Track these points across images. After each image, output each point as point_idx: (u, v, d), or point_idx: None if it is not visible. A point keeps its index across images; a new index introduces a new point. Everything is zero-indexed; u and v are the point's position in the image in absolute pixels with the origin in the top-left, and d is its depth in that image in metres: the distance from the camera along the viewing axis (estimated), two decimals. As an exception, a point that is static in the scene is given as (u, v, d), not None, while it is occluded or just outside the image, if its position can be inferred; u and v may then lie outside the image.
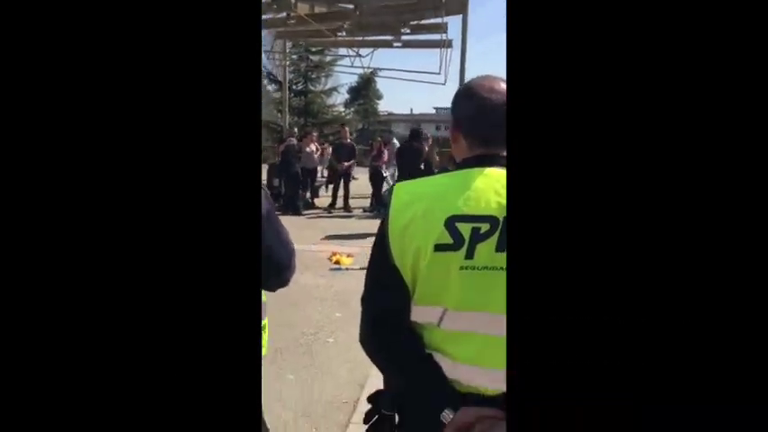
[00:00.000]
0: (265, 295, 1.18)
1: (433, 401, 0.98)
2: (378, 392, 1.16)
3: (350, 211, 9.43)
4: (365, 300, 1.07)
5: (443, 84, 15.19)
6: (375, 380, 3.13)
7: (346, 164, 9.59)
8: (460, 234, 0.96)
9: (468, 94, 1.09)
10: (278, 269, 1.17)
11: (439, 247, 0.96)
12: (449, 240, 0.96)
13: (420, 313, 1.02)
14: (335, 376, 3.19)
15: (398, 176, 8.11)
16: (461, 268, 0.96)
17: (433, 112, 38.06)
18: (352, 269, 5.53)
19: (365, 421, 1.16)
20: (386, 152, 9.82)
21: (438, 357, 1.01)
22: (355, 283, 5.14)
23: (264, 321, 1.20)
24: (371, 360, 1.08)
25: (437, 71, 10.14)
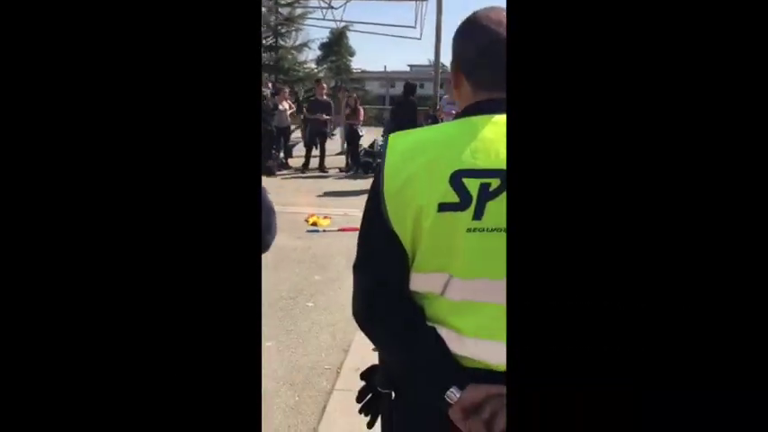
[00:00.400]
0: None
1: (437, 379, 0.87)
2: (372, 368, 1.05)
3: (325, 172, 9.22)
4: (358, 268, 0.94)
5: (419, 38, 14.82)
6: (359, 345, 3.06)
7: (326, 116, 9.29)
8: (468, 191, 0.83)
9: (472, 29, 0.94)
10: None
11: (443, 207, 0.83)
12: (454, 199, 0.83)
13: (421, 282, 0.90)
14: (317, 342, 3.09)
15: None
16: (469, 230, 0.83)
17: (408, 69, 37.57)
18: (330, 231, 5.40)
19: (358, 400, 1.05)
20: (361, 110, 9.55)
21: (442, 330, 0.89)
22: (333, 245, 5.06)
23: None
24: (366, 335, 0.95)
25: (412, 25, 9.86)
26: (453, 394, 0.85)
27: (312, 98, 9.96)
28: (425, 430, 0.94)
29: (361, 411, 1.05)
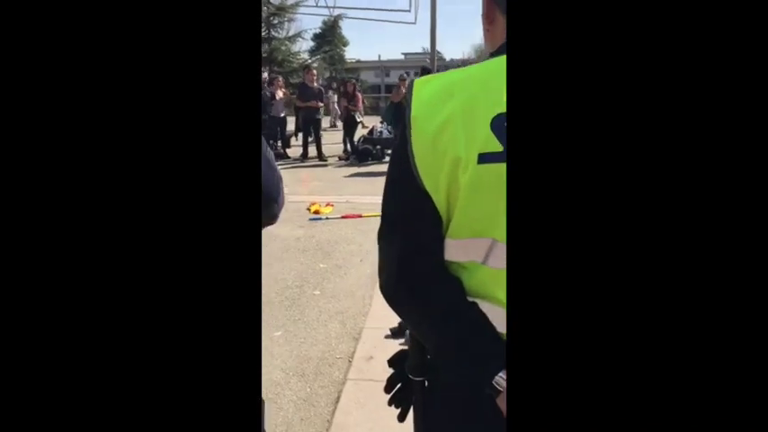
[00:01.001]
0: None
1: (483, 362, 0.74)
2: (400, 354, 0.92)
3: (325, 160, 9.07)
4: (384, 238, 0.81)
5: (414, 22, 14.61)
6: (370, 332, 2.94)
7: (319, 103, 9.12)
8: None
9: None
10: (266, 200, 0.90)
11: (484, 158, 0.70)
12: (497, 147, 0.70)
13: (459, 250, 0.77)
14: (326, 330, 2.97)
15: None
16: None
17: (402, 57, 37.36)
18: (333, 218, 5.28)
19: (386, 389, 0.92)
20: (359, 96, 9.35)
21: (484, 306, 0.76)
22: (337, 233, 4.99)
23: None
24: (398, 313, 0.82)
25: (407, 8, 9.71)
26: (503, 380, 0.72)
27: (301, 84, 9.68)
28: (467, 420, 0.81)
29: (390, 403, 0.92)
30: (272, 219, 0.96)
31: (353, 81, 10.15)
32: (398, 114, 9.25)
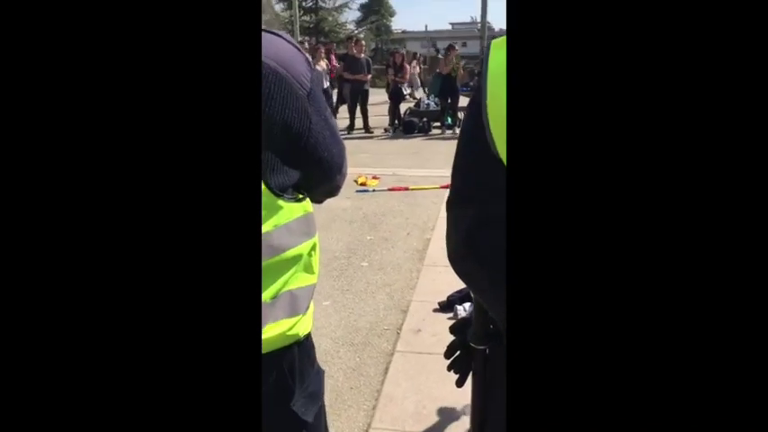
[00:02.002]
0: (312, 207, 0.90)
1: None
2: (463, 322, 0.91)
3: (371, 132, 9.04)
4: (455, 206, 0.79)
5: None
6: (418, 306, 2.95)
7: (368, 75, 9.04)
8: None
9: None
10: (331, 172, 0.88)
11: None
12: None
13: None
14: (374, 302, 2.99)
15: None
16: None
17: (450, 27, 36.57)
18: (379, 191, 5.28)
19: (446, 355, 0.92)
20: (407, 67, 9.19)
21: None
22: (384, 205, 4.97)
23: (314, 240, 0.92)
24: (467, 283, 0.81)
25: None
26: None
27: (348, 56, 9.54)
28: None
29: (450, 368, 0.91)
30: (335, 190, 0.95)
31: (402, 52, 9.95)
32: (445, 86, 9.03)
